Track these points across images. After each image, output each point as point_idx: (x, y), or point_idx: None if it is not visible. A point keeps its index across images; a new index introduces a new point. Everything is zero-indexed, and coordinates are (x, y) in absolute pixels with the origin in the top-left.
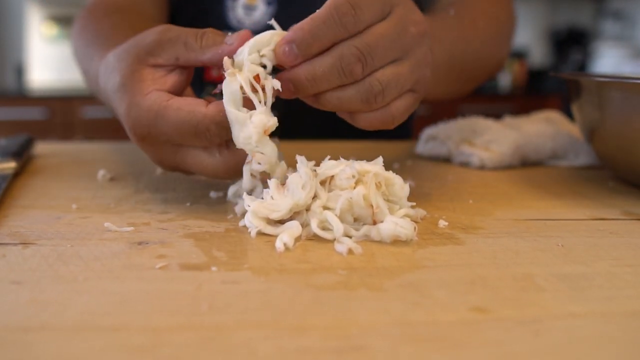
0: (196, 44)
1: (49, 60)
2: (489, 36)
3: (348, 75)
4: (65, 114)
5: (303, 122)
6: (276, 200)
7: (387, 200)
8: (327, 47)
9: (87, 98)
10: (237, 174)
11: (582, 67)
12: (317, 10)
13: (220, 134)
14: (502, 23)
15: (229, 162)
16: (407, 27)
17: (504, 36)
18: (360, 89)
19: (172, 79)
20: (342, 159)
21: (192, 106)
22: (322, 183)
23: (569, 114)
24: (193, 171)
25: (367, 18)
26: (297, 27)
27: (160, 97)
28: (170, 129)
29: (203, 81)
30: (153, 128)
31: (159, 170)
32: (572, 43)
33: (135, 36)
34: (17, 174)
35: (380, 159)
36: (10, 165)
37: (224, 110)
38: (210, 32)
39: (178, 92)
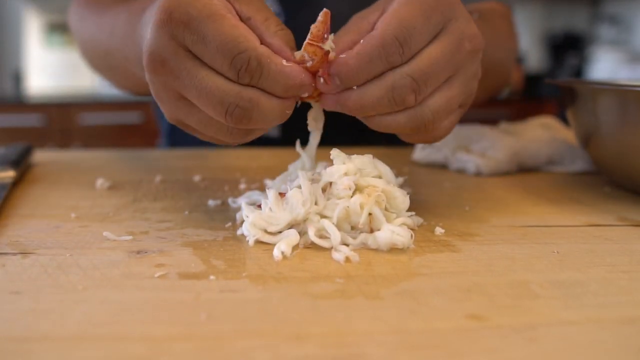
0: (263, 26)
1: (46, 67)
2: (504, 48)
3: (399, 104)
4: (63, 121)
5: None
6: (275, 213)
7: (387, 211)
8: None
9: (84, 105)
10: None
11: (578, 71)
12: (365, 41)
13: (254, 75)
14: (512, 39)
15: (246, 93)
16: (462, 44)
17: (513, 52)
18: (411, 117)
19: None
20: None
21: (250, 34)
22: (322, 190)
23: (566, 119)
24: (196, 99)
25: (417, 46)
26: (342, 62)
27: (223, 6)
28: (213, 37)
29: None
30: (195, 25)
31: (157, 179)
32: (568, 48)
33: None
34: (16, 183)
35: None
36: (9, 174)
37: (277, 59)
38: (281, 31)
39: None
